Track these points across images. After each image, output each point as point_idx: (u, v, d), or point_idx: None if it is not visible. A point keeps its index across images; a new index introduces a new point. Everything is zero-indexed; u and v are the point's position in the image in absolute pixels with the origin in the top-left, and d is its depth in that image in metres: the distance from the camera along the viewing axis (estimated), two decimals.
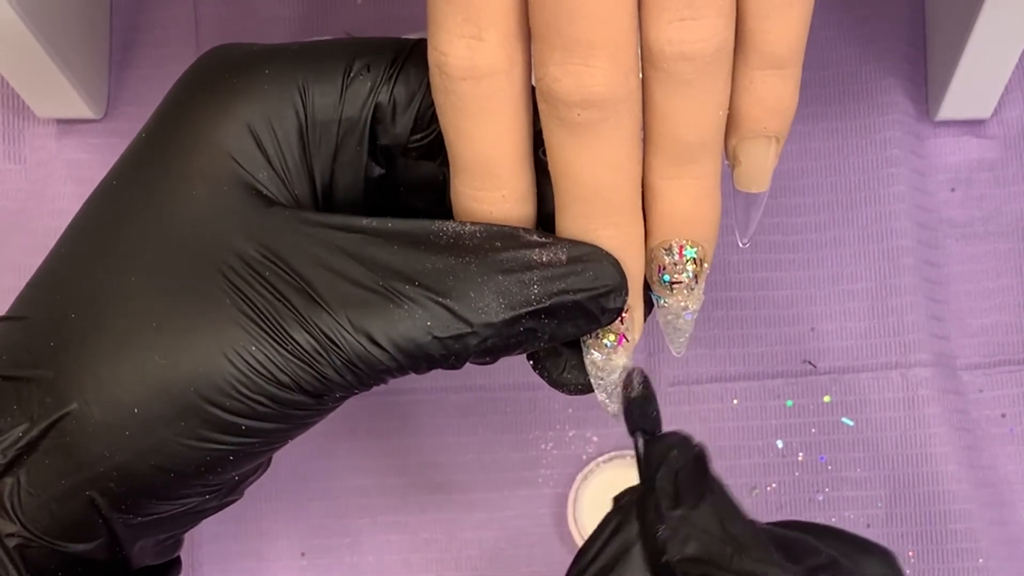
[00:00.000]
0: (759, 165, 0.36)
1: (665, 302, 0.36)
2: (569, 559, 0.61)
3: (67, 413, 0.34)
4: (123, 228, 0.35)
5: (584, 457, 0.61)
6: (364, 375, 0.34)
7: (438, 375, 0.36)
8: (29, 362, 0.35)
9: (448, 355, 0.34)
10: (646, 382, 0.37)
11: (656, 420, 0.38)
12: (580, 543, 0.60)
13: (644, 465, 0.37)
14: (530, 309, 0.34)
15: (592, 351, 0.37)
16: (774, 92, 0.34)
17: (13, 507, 0.34)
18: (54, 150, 0.65)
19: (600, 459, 0.61)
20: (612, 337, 0.36)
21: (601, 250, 0.34)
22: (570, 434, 0.62)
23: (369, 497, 0.61)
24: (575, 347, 0.37)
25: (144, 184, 0.35)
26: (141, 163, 0.36)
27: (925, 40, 0.65)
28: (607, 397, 0.38)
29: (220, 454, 0.35)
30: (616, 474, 0.61)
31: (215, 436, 0.34)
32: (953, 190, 0.64)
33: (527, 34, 0.32)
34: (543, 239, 0.34)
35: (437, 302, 0.33)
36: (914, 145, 0.64)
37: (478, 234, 0.34)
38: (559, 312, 0.34)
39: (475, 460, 0.62)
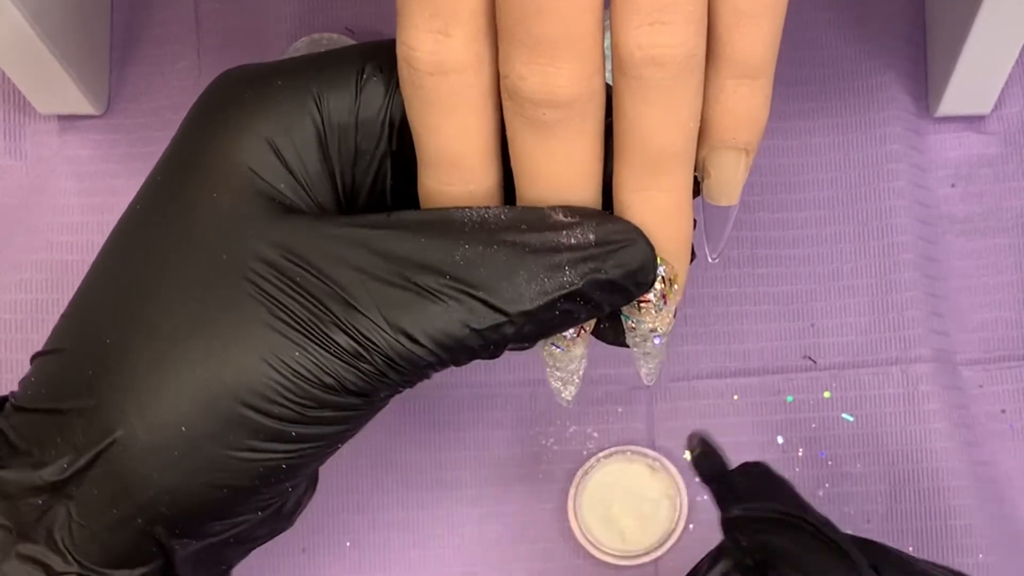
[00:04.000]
0: (729, 177, 0.35)
1: (633, 322, 0.36)
2: (570, 554, 0.61)
3: (113, 440, 0.33)
4: (149, 250, 0.35)
5: (584, 453, 0.62)
6: (407, 372, 0.34)
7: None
8: (69, 393, 0.34)
9: (487, 345, 0.34)
10: (703, 443, 0.37)
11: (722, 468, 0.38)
12: (581, 538, 0.60)
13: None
14: (564, 292, 0.33)
15: (551, 344, 0.37)
16: (744, 102, 0.33)
17: (64, 542, 0.34)
18: (55, 146, 0.65)
19: (600, 454, 0.61)
20: (572, 330, 0.36)
21: (629, 224, 0.34)
22: (571, 430, 0.62)
23: (370, 493, 0.61)
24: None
25: (167, 205, 0.35)
26: (162, 186, 0.36)
27: (925, 36, 0.65)
28: (562, 385, 0.38)
29: (271, 464, 0.34)
30: (617, 469, 0.61)
31: (265, 445, 0.34)
32: (953, 186, 0.64)
33: (496, 30, 0.32)
34: (569, 218, 0.34)
35: (470, 295, 0.33)
36: (914, 141, 0.64)
37: (503, 217, 0.34)
38: (593, 291, 0.33)
39: (476, 456, 0.62)
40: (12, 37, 0.58)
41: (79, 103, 0.64)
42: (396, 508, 0.61)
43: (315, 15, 0.67)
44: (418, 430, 0.62)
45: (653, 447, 0.61)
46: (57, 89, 0.62)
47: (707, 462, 0.37)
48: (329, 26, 0.66)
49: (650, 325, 0.36)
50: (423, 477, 0.62)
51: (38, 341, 0.62)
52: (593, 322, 0.37)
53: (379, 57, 0.36)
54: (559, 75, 0.31)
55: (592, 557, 0.60)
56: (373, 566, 0.61)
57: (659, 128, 0.32)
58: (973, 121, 0.65)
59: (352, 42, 0.64)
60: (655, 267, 0.34)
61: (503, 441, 0.62)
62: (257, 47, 0.66)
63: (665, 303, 0.35)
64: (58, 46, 0.60)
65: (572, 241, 0.33)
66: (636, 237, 0.34)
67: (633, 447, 0.61)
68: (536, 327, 0.34)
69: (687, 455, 0.38)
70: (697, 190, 0.35)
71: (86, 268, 0.67)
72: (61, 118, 0.66)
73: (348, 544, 0.61)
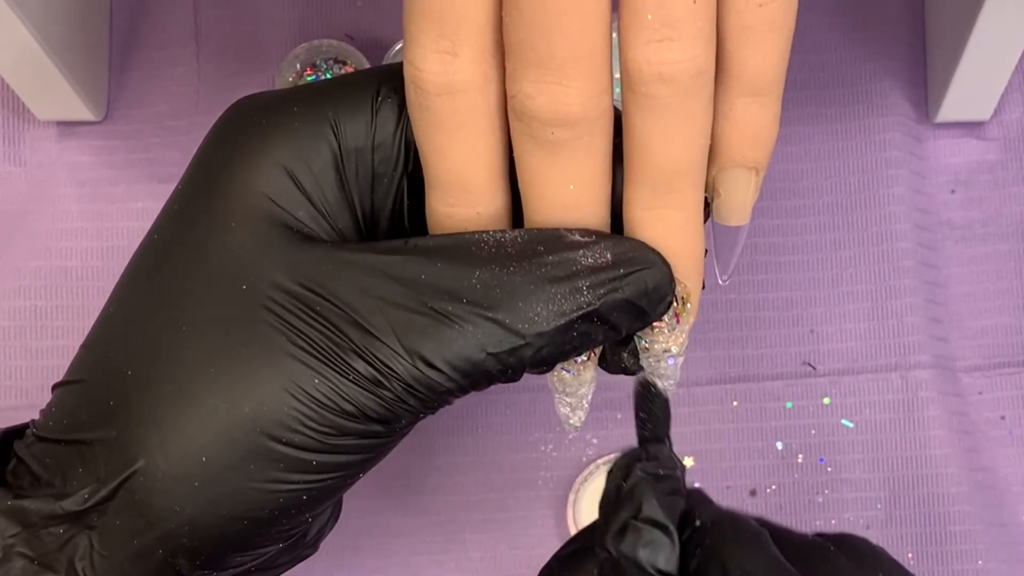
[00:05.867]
0: (739, 197, 0.35)
1: (646, 342, 0.36)
2: None
3: (134, 471, 0.33)
4: (167, 279, 0.35)
5: (584, 459, 0.62)
6: (427, 398, 0.34)
7: None
8: (91, 424, 0.34)
9: (505, 369, 0.33)
10: (646, 392, 0.37)
11: (655, 428, 0.38)
12: None
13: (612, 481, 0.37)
14: (580, 313, 0.33)
15: (561, 369, 0.36)
16: (753, 120, 0.33)
17: (85, 572, 0.34)
18: (54, 152, 0.65)
19: (600, 461, 0.61)
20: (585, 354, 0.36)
21: (645, 244, 0.34)
22: (570, 436, 0.62)
23: (369, 499, 0.61)
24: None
25: (184, 235, 0.35)
26: (180, 215, 0.36)
27: (925, 42, 0.65)
28: (571, 411, 0.38)
29: (293, 494, 0.34)
30: None
31: (286, 476, 0.33)
32: (953, 192, 0.64)
33: (502, 51, 0.32)
34: (585, 238, 0.33)
35: (487, 317, 0.33)
36: (914, 147, 0.64)
37: (519, 239, 0.33)
38: (610, 312, 0.33)
39: (475, 462, 0.62)
40: (11, 44, 0.58)
41: (78, 109, 0.64)
42: (395, 514, 0.61)
43: (314, 22, 0.67)
44: (418, 435, 0.62)
45: None
46: (56, 95, 0.62)
47: (651, 415, 0.37)
48: (328, 33, 0.66)
49: (663, 345, 0.36)
50: (422, 482, 0.62)
51: (38, 348, 0.63)
52: (602, 346, 0.36)
53: (393, 79, 0.36)
54: (568, 93, 0.31)
55: None
56: (372, 572, 0.61)
57: (668, 145, 0.32)
58: (973, 127, 0.65)
59: (351, 49, 0.64)
60: (672, 286, 0.34)
61: (503, 447, 0.62)
62: (256, 54, 0.66)
63: (678, 322, 0.35)
64: (57, 52, 0.60)
65: (589, 261, 0.33)
66: (653, 257, 0.34)
67: None
68: (554, 349, 0.33)
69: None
70: (707, 212, 0.35)
71: (85, 274, 0.67)
72: (60, 124, 0.66)
73: (348, 550, 0.61)
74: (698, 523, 0.37)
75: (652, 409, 0.38)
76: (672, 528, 0.36)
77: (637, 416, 0.38)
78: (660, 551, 0.36)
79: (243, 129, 0.36)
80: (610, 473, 0.37)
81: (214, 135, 0.37)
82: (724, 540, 0.36)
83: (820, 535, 0.39)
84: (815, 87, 0.65)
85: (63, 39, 0.60)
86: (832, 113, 0.65)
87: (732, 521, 0.37)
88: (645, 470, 0.36)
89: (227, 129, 0.36)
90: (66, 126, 0.66)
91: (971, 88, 0.61)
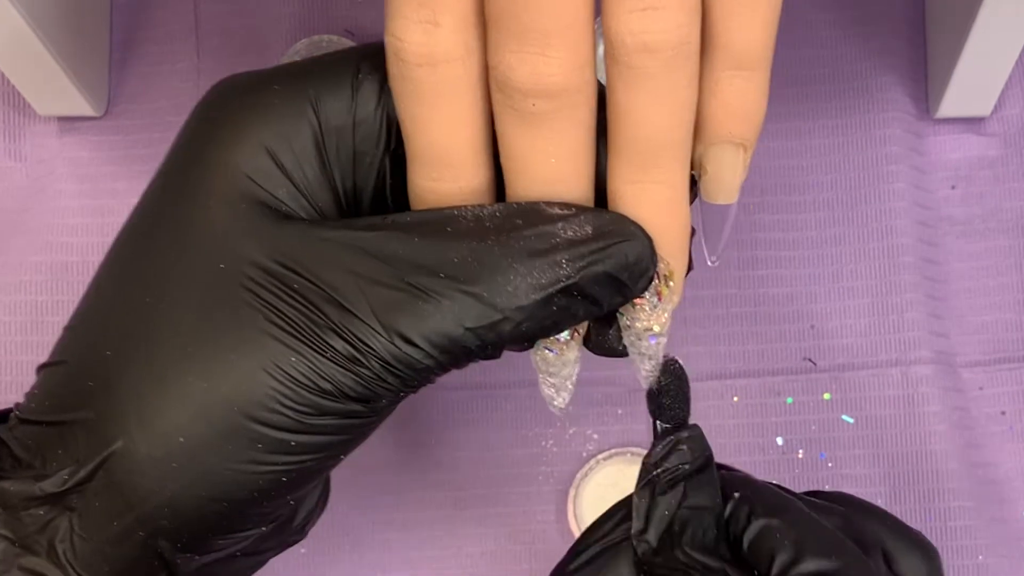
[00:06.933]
0: (726, 174, 0.34)
1: (628, 319, 0.35)
2: None
3: (113, 452, 0.33)
4: (148, 261, 0.35)
5: (584, 454, 0.62)
6: (406, 376, 0.33)
7: None
8: (71, 405, 0.34)
9: (484, 345, 0.33)
10: (670, 373, 0.37)
11: (673, 414, 0.37)
12: None
13: (649, 456, 0.37)
14: (560, 286, 0.32)
15: (544, 348, 0.36)
16: (740, 95, 0.33)
17: (66, 555, 0.34)
18: (55, 148, 0.65)
19: (600, 456, 0.61)
20: (566, 333, 0.35)
21: (625, 218, 0.33)
22: (570, 431, 0.62)
23: (369, 494, 0.61)
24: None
25: (165, 215, 0.35)
26: (161, 196, 0.36)
27: (925, 37, 0.65)
28: (555, 392, 0.37)
29: (272, 476, 0.34)
30: (616, 471, 0.61)
31: (264, 457, 0.33)
32: (953, 187, 0.64)
33: (484, 22, 0.32)
34: (564, 211, 0.33)
35: (464, 291, 0.32)
36: (914, 142, 0.64)
37: (498, 214, 0.33)
38: (590, 286, 0.33)
39: (475, 457, 0.62)
40: (11, 39, 0.58)
41: (79, 104, 0.64)
42: (395, 509, 0.61)
43: (315, 17, 0.66)
44: (417, 430, 0.62)
45: None
46: (56, 91, 0.62)
47: (667, 403, 0.37)
48: (329, 28, 0.66)
49: (645, 324, 0.35)
50: (422, 478, 0.62)
51: (38, 343, 0.63)
52: (586, 325, 0.36)
53: (374, 57, 0.35)
54: (549, 64, 0.31)
55: None
56: (372, 567, 0.61)
57: (652, 117, 0.32)
58: (973, 123, 0.65)
59: (352, 44, 0.64)
60: (654, 261, 0.34)
61: (502, 442, 0.62)
62: (256, 49, 0.66)
63: (659, 300, 0.35)
64: (57, 48, 0.60)
65: (568, 234, 0.33)
66: (634, 229, 0.33)
67: (633, 449, 0.61)
68: (534, 324, 0.33)
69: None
70: (695, 192, 0.35)
71: (86, 270, 0.67)
72: (61, 120, 0.66)
73: (347, 544, 0.61)
74: (737, 495, 0.37)
75: (680, 389, 0.37)
76: (717, 510, 0.36)
77: (658, 403, 0.37)
78: (707, 533, 0.36)
79: (224, 108, 0.36)
80: (647, 469, 0.37)
81: (196, 115, 0.37)
82: (771, 510, 0.36)
83: (811, 493, 0.39)
84: (815, 83, 0.65)
85: (63, 34, 0.60)
86: (832, 109, 0.65)
87: (768, 490, 0.37)
88: (680, 462, 0.36)
89: (208, 109, 0.36)
90: (67, 121, 0.66)
91: (971, 84, 0.61)
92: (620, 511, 0.38)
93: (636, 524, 0.36)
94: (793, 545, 0.35)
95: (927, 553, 0.38)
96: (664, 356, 0.36)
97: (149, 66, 0.66)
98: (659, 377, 0.37)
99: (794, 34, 0.65)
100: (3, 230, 0.65)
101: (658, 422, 0.37)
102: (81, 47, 0.63)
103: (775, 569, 0.35)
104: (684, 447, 0.37)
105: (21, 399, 0.36)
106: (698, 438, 0.37)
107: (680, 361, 0.37)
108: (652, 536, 0.36)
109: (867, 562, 0.36)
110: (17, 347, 0.63)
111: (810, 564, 0.35)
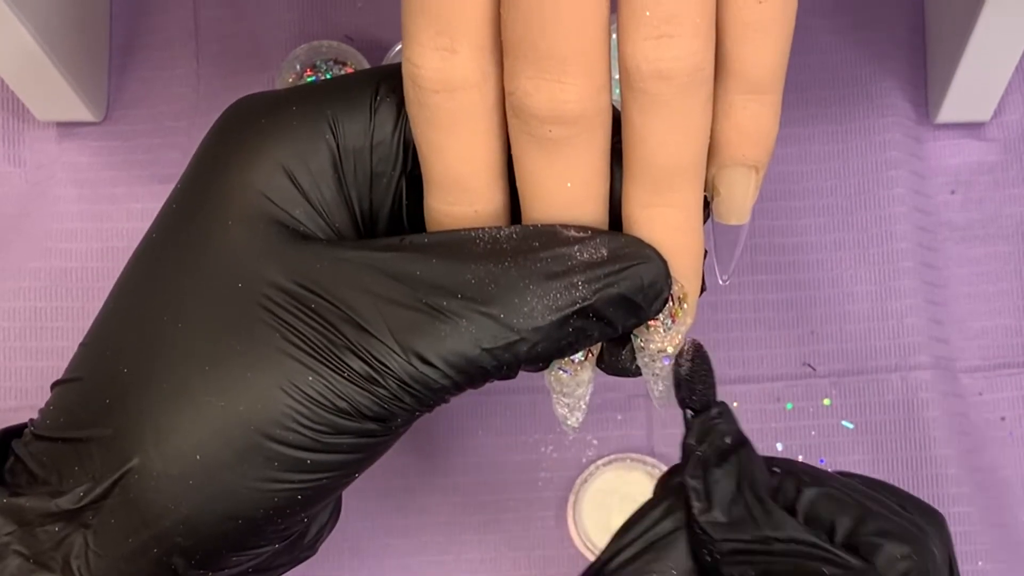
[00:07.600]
0: (738, 195, 0.35)
1: (642, 341, 0.35)
2: (569, 562, 0.61)
3: (129, 469, 0.33)
4: (165, 278, 0.35)
5: (584, 460, 0.62)
6: (422, 395, 0.33)
7: None
8: (87, 422, 0.34)
9: (500, 365, 0.33)
10: (699, 357, 0.37)
11: (704, 397, 0.37)
12: (580, 546, 0.60)
13: (685, 446, 0.37)
14: (575, 308, 0.33)
15: (558, 369, 0.36)
16: (753, 119, 0.33)
17: (81, 571, 0.34)
18: (54, 153, 0.65)
19: (600, 462, 0.61)
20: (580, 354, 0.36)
21: (640, 240, 0.34)
22: (570, 437, 0.62)
23: (369, 500, 0.61)
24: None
25: (182, 234, 0.35)
26: (178, 214, 0.36)
27: (925, 43, 0.65)
28: (568, 412, 0.37)
29: (288, 494, 0.34)
30: (616, 477, 0.61)
31: (281, 475, 0.33)
32: (953, 193, 0.64)
33: (501, 48, 0.32)
34: (580, 233, 0.33)
35: (481, 312, 0.33)
36: (914, 148, 0.64)
37: (514, 236, 0.33)
38: (605, 308, 0.33)
39: (475, 463, 0.62)
40: (11, 44, 0.58)
41: (78, 110, 0.64)
42: (395, 514, 0.61)
43: (314, 22, 0.67)
44: (418, 437, 0.62)
45: (652, 454, 0.61)
46: (56, 96, 0.62)
47: (690, 387, 0.37)
48: (328, 33, 0.66)
49: (659, 346, 0.35)
50: (422, 483, 0.61)
51: (38, 349, 0.63)
52: (599, 346, 0.36)
53: (392, 79, 0.35)
54: (566, 91, 0.31)
55: None
56: (372, 572, 0.61)
57: (667, 142, 0.32)
58: (973, 128, 0.65)
59: (351, 50, 0.64)
60: (668, 282, 0.34)
61: (502, 448, 0.62)
62: (256, 54, 0.66)
63: (673, 322, 0.35)
64: (57, 53, 0.60)
65: (584, 256, 0.33)
66: (649, 252, 0.34)
67: (632, 454, 0.61)
68: (549, 345, 0.33)
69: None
70: (707, 212, 0.35)
71: (85, 275, 0.67)
72: (60, 125, 0.66)
73: (348, 550, 0.61)
74: (777, 469, 0.37)
75: (708, 371, 0.37)
76: (767, 482, 0.37)
77: (691, 388, 0.37)
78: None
79: (242, 128, 0.36)
80: (691, 452, 0.37)
81: (213, 134, 0.37)
82: (817, 480, 0.37)
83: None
84: (815, 88, 0.65)
85: (63, 40, 0.60)
86: (832, 114, 0.65)
87: (801, 464, 0.38)
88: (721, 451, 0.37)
89: (226, 128, 0.36)
90: (66, 127, 0.66)
91: (971, 89, 0.61)
92: (655, 508, 0.37)
93: (698, 505, 0.36)
94: (854, 508, 0.36)
95: (934, 519, 0.38)
96: (686, 341, 0.36)
97: (148, 71, 0.67)
98: (689, 363, 0.36)
99: (794, 40, 0.65)
100: (2, 235, 0.65)
101: (688, 410, 0.37)
102: (80, 52, 0.63)
103: (840, 534, 0.35)
104: (720, 423, 0.37)
105: (20, 404, 0.36)
106: (729, 413, 0.37)
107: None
108: (718, 513, 0.36)
109: (918, 522, 0.37)
110: (16, 353, 0.63)
111: (871, 525, 0.35)
